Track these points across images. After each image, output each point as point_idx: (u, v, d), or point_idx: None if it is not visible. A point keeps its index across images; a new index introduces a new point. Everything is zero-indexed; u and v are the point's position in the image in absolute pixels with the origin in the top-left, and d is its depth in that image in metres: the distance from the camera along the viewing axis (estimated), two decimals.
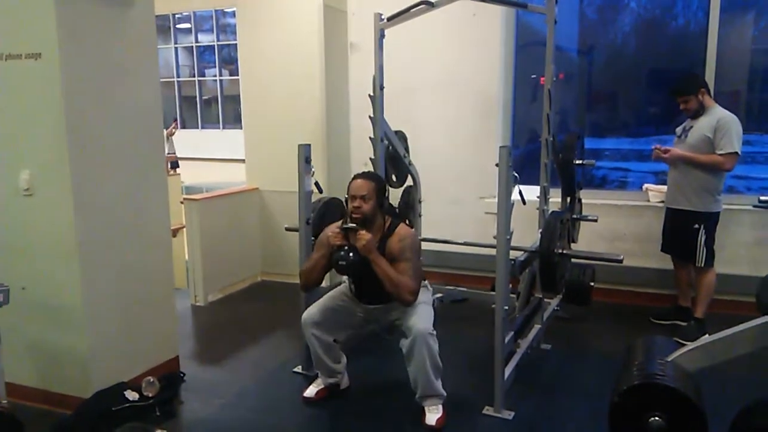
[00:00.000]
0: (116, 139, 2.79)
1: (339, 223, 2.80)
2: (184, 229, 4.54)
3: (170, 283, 3.20)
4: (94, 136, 2.67)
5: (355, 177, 2.74)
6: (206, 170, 14.01)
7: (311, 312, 2.78)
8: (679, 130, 3.72)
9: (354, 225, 2.64)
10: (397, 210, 3.55)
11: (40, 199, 2.65)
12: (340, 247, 2.63)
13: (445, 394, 2.69)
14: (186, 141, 16.24)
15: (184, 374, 3.16)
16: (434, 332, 2.59)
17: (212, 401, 2.94)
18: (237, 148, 5.78)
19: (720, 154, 3.42)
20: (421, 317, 2.62)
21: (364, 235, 2.58)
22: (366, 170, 2.89)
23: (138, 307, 2.95)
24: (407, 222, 3.74)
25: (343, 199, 2.77)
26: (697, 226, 3.53)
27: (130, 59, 2.83)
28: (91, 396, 2.70)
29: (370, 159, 3.70)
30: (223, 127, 20.86)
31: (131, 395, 2.77)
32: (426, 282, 2.88)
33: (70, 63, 2.53)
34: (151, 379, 2.86)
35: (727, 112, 3.49)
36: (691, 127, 3.59)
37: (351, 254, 2.60)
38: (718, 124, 3.43)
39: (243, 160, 5.01)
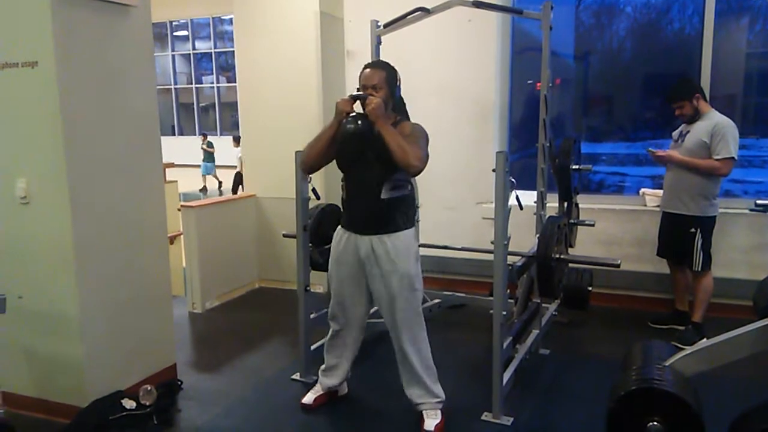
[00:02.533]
0: (113, 147, 2.79)
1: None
2: (182, 237, 4.53)
3: (167, 290, 3.19)
4: (91, 143, 2.67)
5: (366, 66, 2.65)
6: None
7: (332, 304, 2.80)
8: (675, 134, 3.73)
9: (363, 93, 2.53)
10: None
11: (37, 207, 2.64)
12: (348, 113, 2.55)
13: (443, 396, 2.68)
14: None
15: (182, 382, 3.14)
16: (423, 332, 2.59)
17: (210, 409, 2.93)
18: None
19: (717, 159, 3.43)
20: (409, 314, 2.60)
21: (374, 99, 2.47)
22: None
23: (135, 315, 2.94)
24: None
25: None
26: (693, 230, 3.54)
27: (126, 67, 2.83)
28: (88, 405, 2.69)
29: None
30: (221, 134, 20.87)
31: (128, 404, 2.76)
32: (418, 288, 2.73)
33: (67, 71, 2.53)
34: (149, 388, 2.85)
35: (724, 116, 3.50)
36: (688, 131, 3.60)
37: (359, 121, 2.51)
38: (714, 129, 3.44)
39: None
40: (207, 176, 14.47)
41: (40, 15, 2.46)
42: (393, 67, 2.67)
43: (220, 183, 14.67)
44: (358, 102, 2.54)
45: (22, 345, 2.82)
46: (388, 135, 2.43)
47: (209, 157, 14.65)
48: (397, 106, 2.67)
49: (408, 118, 2.71)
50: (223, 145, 15.45)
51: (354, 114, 2.54)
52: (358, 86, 2.61)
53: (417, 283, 2.64)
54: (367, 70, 2.61)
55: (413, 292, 2.62)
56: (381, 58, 3.68)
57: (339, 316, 2.80)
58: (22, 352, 2.83)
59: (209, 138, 15.42)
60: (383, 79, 2.57)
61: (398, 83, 2.65)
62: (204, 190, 14.36)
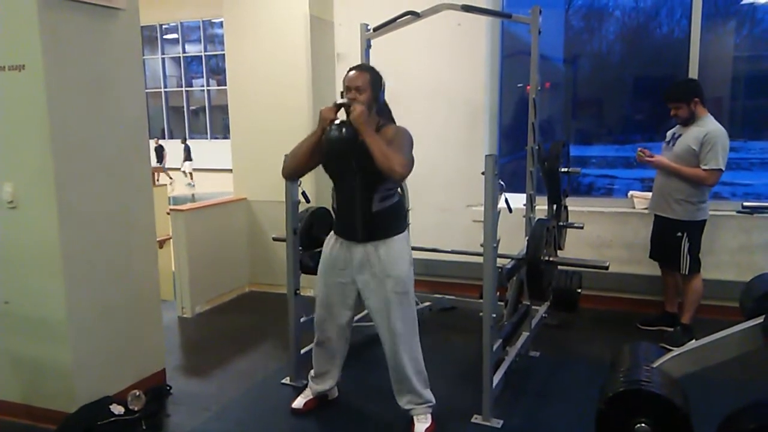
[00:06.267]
0: (101, 151, 2.77)
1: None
2: (171, 240, 4.51)
3: (156, 294, 3.17)
4: (78, 147, 2.65)
5: (351, 69, 2.62)
6: None
7: (319, 312, 2.78)
8: (669, 134, 3.71)
9: (347, 101, 2.51)
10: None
11: (24, 212, 2.62)
12: (332, 121, 2.52)
13: (433, 401, 2.68)
14: None
15: (171, 387, 3.13)
16: (416, 337, 2.57)
17: (199, 414, 2.91)
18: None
19: (704, 169, 3.41)
20: (404, 320, 2.58)
21: (358, 106, 2.46)
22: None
23: (124, 319, 2.92)
24: None
25: (338, 94, 2.63)
26: (680, 234, 3.54)
27: (114, 70, 2.82)
28: (75, 411, 2.67)
29: None
30: (212, 137, 20.82)
31: (117, 409, 2.74)
32: (412, 292, 2.74)
33: (54, 74, 2.51)
34: (137, 393, 2.83)
35: (718, 125, 3.46)
36: (680, 135, 3.57)
37: (343, 129, 2.48)
38: (705, 138, 3.40)
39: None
40: None
41: (26, 18, 2.44)
42: (377, 71, 2.66)
43: None
44: (342, 109, 2.53)
45: (8, 350, 2.79)
46: (372, 142, 2.42)
47: None
48: (381, 110, 2.65)
49: (393, 121, 2.70)
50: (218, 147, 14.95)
51: (338, 121, 2.52)
52: (342, 89, 2.59)
53: (411, 287, 2.65)
54: (352, 72, 2.59)
55: (408, 297, 2.62)
56: (371, 62, 3.70)
57: (326, 325, 2.78)
58: (8, 357, 2.80)
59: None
60: (367, 81, 2.55)
61: (382, 87, 2.64)
62: None
